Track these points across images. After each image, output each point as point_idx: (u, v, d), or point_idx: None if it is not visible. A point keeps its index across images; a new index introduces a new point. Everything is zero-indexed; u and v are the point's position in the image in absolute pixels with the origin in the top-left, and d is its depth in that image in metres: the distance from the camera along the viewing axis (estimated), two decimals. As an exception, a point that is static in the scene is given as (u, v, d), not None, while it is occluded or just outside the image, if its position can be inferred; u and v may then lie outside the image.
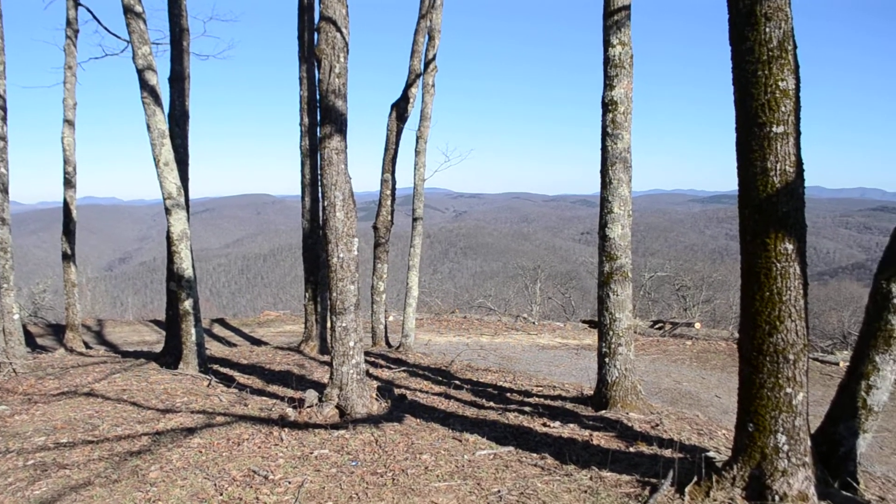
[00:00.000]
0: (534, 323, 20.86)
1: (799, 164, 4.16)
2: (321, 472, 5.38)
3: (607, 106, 7.79)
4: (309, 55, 13.39)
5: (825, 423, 5.00)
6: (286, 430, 6.62)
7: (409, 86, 14.33)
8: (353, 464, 5.63)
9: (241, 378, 9.80)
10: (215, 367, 10.71)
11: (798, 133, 4.14)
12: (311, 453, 5.88)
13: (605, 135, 7.83)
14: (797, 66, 4.12)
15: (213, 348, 13.96)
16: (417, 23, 14.27)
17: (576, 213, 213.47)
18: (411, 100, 14.39)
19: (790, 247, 4.13)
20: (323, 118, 7.15)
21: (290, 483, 5.14)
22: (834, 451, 4.90)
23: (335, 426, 6.79)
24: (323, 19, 7.10)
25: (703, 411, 9.45)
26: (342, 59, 7.17)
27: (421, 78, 14.28)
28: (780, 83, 4.03)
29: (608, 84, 7.79)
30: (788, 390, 4.21)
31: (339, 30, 7.11)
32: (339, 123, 7.15)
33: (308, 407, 7.33)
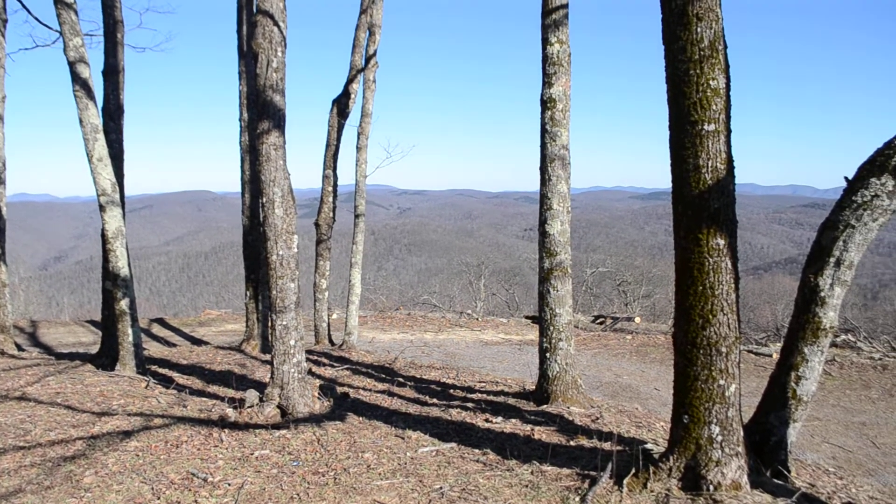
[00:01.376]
0: (478, 319, 20.97)
1: (730, 161, 4.27)
2: (262, 473, 5.31)
3: (546, 104, 7.87)
4: (248, 49, 13.18)
5: (757, 414, 5.14)
6: (226, 431, 6.51)
7: (349, 81, 14.24)
8: (295, 464, 5.57)
9: (181, 379, 9.60)
10: (154, 368, 10.47)
11: (729, 131, 4.25)
12: (252, 454, 5.80)
13: (543, 132, 7.91)
14: (727, 66, 4.23)
15: (152, 349, 13.65)
16: (358, 18, 14.18)
17: (519, 209, 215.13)
18: (352, 96, 14.30)
19: (722, 242, 4.23)
20: (260, 113, 7.05)
21: (229, 485, 5.05)
22: (766, 440, 5.04)
23: (276, 426, 6.71)
24: (259, 13, 7.00)
25: (642, 404, 9.63)
26: (280, 54, 7.08)
27: (362, 74, 14.20)
28: (711, 82, 4.12)
29: (546, 82, 7.87)
30: (721, 382, 4.32)
31: (276, 24, 7.01)
32: (277, 119, 7.05)
33: (249, 407, 7.23)
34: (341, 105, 14.27)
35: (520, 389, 9.11)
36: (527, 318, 21.58)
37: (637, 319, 20.65)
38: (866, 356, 13.82)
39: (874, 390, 11.38)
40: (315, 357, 12.00)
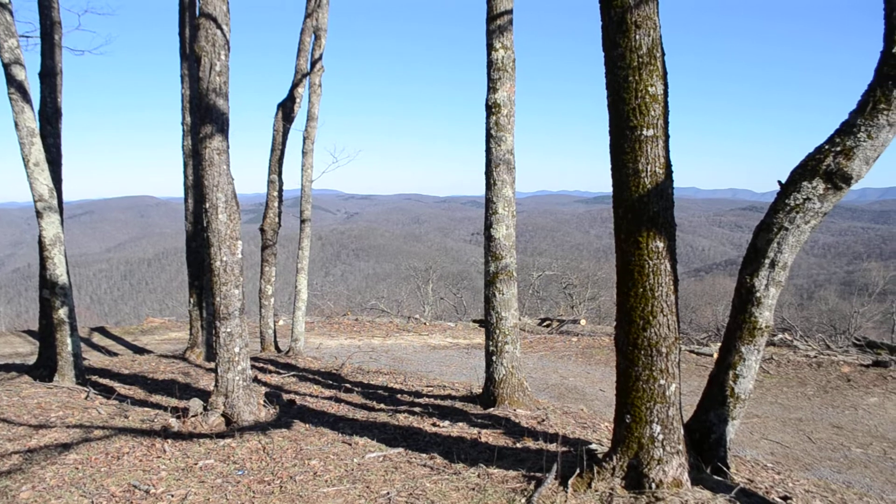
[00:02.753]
0: (425, 323, 20.98)
1: (668, 165, 4.37)
2: (206, 484, 5.22)
3: (491, 109, 7.93)
4: (190, 52, 12.98)
5: (697, 412, 5.26)
6: (169, 441, 6.38)
7: (295, 85, 14.14)
8: (240, 473, 5.49)
9: (122, 389, 9.38)
10: (94, 378, 10.20)
11: (667, 136, 4.35)
12: (196, 464, 5.70)
13: (489, 137, 7.97)
14: (665, 73, 4.33)
15: (93, 358, 13.29)
16: (304, 21, 14.11)
17: (466, 213, 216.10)
18: (298, 100, 14.21)
19: (661, 245, 4.33)
20: (203, 117, 6.94)
21: (172, 496, 4.96)
22: (706, 438, 5.16)
23: (221, 435, 6.61)
24: (202, 15, 6.90)
25: (587, 405, 9.75)
26: (223, 57, 6.99)
27: (307, 78, 14.11)
28: (649, 88, 4.21)
29: (491, 87, 7.94)
30: (662, 382, 4.41)
31: (219, 27, 6.92)
32: (220, 123, 6.96)
33: (193, 416, 7.10)
34: (287, 109, 14.16)
35: (467, 393, 9.14)
36: (474, 321, 21.68)
37: (582, 322, 20.92)
38: (802, 354, 14.24)
39: (810, 387, 11.73)
40: (261, 364, 11.86)
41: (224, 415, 7.12)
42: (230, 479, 5.33)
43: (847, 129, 4.75)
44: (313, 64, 14.08)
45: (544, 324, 21.15)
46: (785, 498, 5.01)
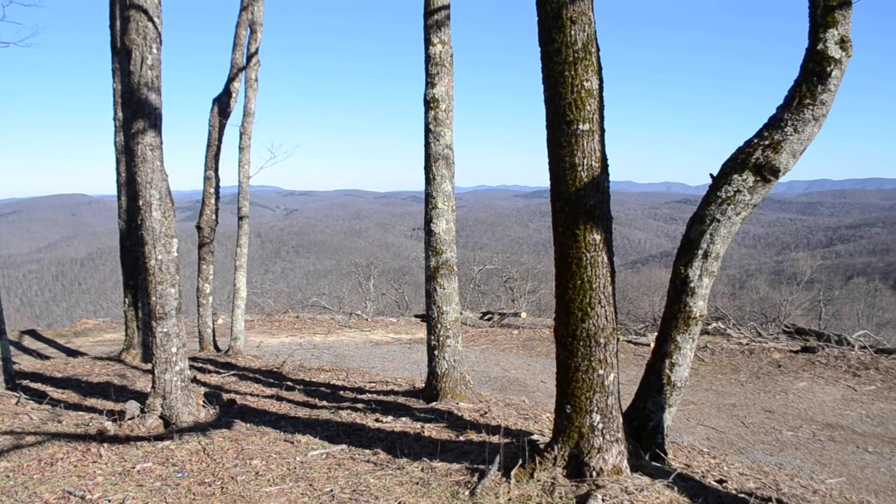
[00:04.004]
0: (367, 319, 20.90)
1: (604, 159, 4.45)
2: (144, 487, 5.11)
3: (429, 103, 7.94)
4: (121, 46, 12.61)
5: (636, 401, 5.38)
6: (105, 445, 6.22)
7: (231, 80, 13.90)
8: (179, 475, 5.39)
9: (56, 393, 9.08)
10: (25, 382, 9.85)
11: (602, 130, 4.43)
12: (134, 468, 5.57)
13: (427, 132, 7.98)
14: (600, 68, 4.40)
15: (24, 362, 12.84)
16: (239, 15, 13.87)
17: (407, 209, 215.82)
18: (234, 95, 13.96)
19: (598, 237, 4.41)
20: (135, 112, 6.78)
21: (109, 501, 4.84)
22: (644, 425, 5.28)
23: (159, 437, 6.47)
24: (133, 7, 6.72)
25: (529, 396, 9.86)
26: (154, 50, 6.83)
27: (243, 72, 13.89)
28: (584, 83, 4.28)
29: (430, 82, 7.94)
30: (601, 372, 4.50)
31: (150, 19, 6.76)
32: (152, 118, 6.80)
33: (129, 419, 6.94)
34: (223, 104, 13.90)
35: (410, 388, 9.15)
36: (416, 316, 21.69)
37: (523, 314, 21.14)
38: (735, 342, 14.68)
39: (742, 374, 12.10)
40: (200, 364, 11.64)
41: (162, 417, 6.98)
42: (169, 481, 5.23)
43: (775, 124, 4.91)
44: (249, 58, 13.86)
45: (486, 317, 21.30)
46: (720, 481, 5.16)
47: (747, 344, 14.29)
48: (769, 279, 56.73)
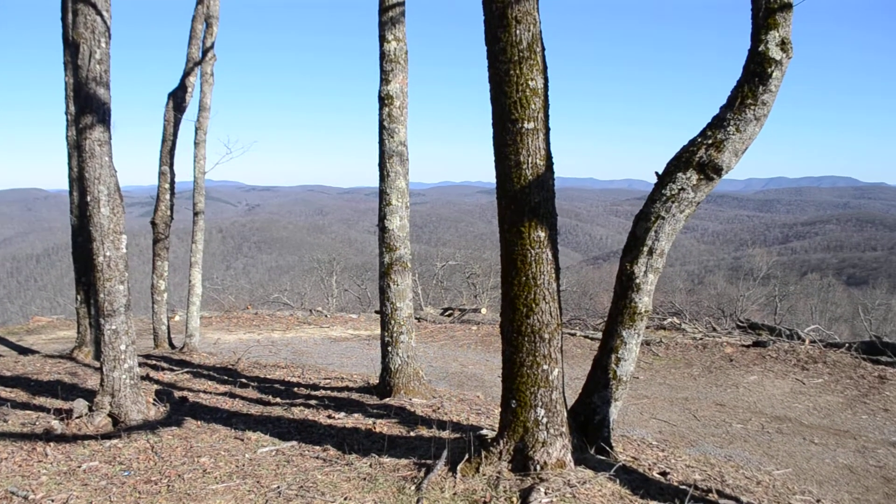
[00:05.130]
0: (326, 316, 20.82)
1: (548, 157, 4.50)
2: (89, 487, 5.05)
3: (383, 100, 7.94)
4: (72, 39, 12.38)
5: (582, 395, 5.45)
6: (52, 444, 6.12)
7: (186, 74, 13.72)
8: (126, 474, 5.33)
9: (3, 392, 8.90)
10: (-29, 381, 9.66)
11: (547, 129, 4.48)
12: (79, 467, 5.49)
13: (381, 129, 7.99)
14: (545, 67, 4.45)
15: (-29, 361, 12.56)
16: (195, 8, 13.69)
17: (371, 205, 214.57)
18: (189, 89, 13.79)
19: (542, 235, 4.46)
20: (84, 107, 6.67)
21: (53, 501, 4.77)
22: (591, 419, 5.36)
23: (107, 436, 6.39)
24: (81, 1, 6.62)
25: (485, 392, 9.92)
26: (103, 45, 6.74)
27: (199, 67, 13.72)
28: (529, 82, 4.33)
29: (384, 79, 7.95)
30: (545, 367, 4.56)
31: (98, 13, 6.66)
32: (101, 113, 6.70)
33: (77, 418, 6.83)
34: (178, 99, 13.72)
35: (364, 384, 9.15)
36: (377, 312, 21.62)
37: (483, 310, 21.23)
38: (690, 337, 14.93)
39: (695, 368, 12.32)
40: (154, 361, 11.50)
41: (111, 415, 6.89)
42: (115, 480, 5.17)
43: (718, 123, 5.02)
44: (205, 52, 13.69)
45: (446, 313, 21.36)
46: (663, 473, 5.26)
47: (701, 339, 14.54)
48: (727, 275, 57.63)
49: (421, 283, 33.09)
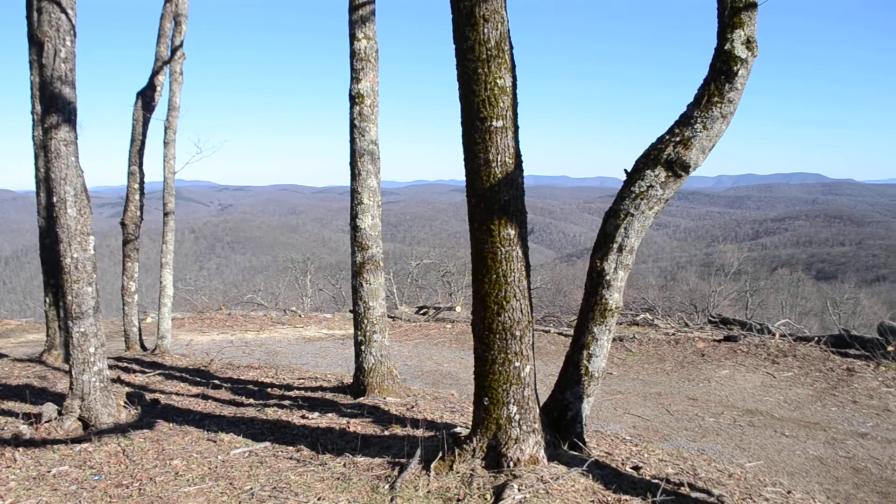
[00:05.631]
0: (300, 315, 20.72)
1: (517, 155, 4.52)
2: (59, 491, 4.98)
3: (354, 99, 7.92)
4: (38, 37, 12.19)
5: (555, 391, 5.49)
6: (21, 449, 6.02)
7: (155, 73, 13.57)
8: (97, 478, 5.27)
9: (-31, 397, 8.77)
10: (-63, 387, 9.48)
11: (516, 127, 4.50)
12: (49, 472, 5.42)
13: (352, 127, 7.96)
14: (514, 65, 4.47)
15: (-63, 367, 12.32)
16: (164, 7, 13.54)
17: (344, 203, 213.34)
18: (158, 88, 13.64)
19: (512, 232, 4.48)
20: (49, 107, 6.57)
21: (21, 506, 4.71)
22: (563, 415, 5.39)
23: (77, 440, 6.30)
24: (45, -1, 6.52)
25: (460, 390, 9.93)
26: (69, 43, 6.64)
27: (168, 65, 13.57)
28: (498, 81, 4.34)
29: (355, 77, 7.92)
30: (517, 364, 4.58)
31: (63, 11, 6.57)
32: (67, 112, 6.60)
33: (47, 422, 6.73)
34: (146, 98, 13.57)
35: (338, 384, 9.13)
36: (352, 311, 21.56)
37: (458, 308, 21.25)
38: (662, 332, 15.07)
39: (668, 363, 12.44)
40: (125, 364, 11.37)
41: (81, 419, 6.80)
42: (85, 485, 5.11)
43: (685, 121, 5.07)
44: (174, 51, 13.55)
45: (421, 312, 21.34)
46: (636, 468, 5.31)
47: (674, 334, 14.68)
48: (699, 271, 58.23)
49: (396, 281, 33.05)
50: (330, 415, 7.06)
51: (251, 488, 4.81)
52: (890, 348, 11.89)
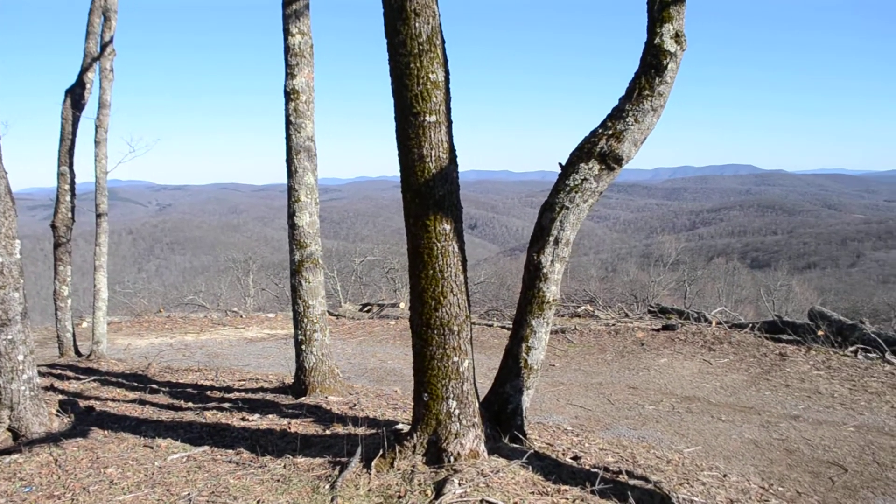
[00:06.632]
0: (242, 316, 20.41)
1: (451, 150, 4.53)
2: (-14, 505, 4.82)
3: (289, 95, 7.82)
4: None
5: (495, 385, 5.52)
6: (-54, 464, 5.80)
7: (84, 70, 13.18)
8: (27, 490, 5.10)
9: None
10: None
11: (449, 122, 4.50)
12: (-24, 486, 5.23)
13: (288, 124, 7.86)
14: (446, 60, 4.46)
15: None
16: (92, 1, 13.14)
17: (285, 202, 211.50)
18: (88, 85, 13.25)
19: (448, 227, 4.49)
20: (-32, 107, 6.33)
21: (-55, 523, 4.54)
22: (504, 408, 5.43)
23: (7, 451, 6.09)
24: (-40, -6, 6.26)
25: (404, 386, 9.91)
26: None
27: (98, 62, 13.19)
28: (430, 75, 4.33)
29: (289, 73, 7.82)
30: (455, 359, 4.60)
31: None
32: (-13, 113, 6.37)
33: (-27, 434, 6.50)
34: (76, 96, 13.17)
35: (280, 384, 9.01)
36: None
37: (402, 305, 21.20)
38: (603, 323, 15.30)
39: (609, 353, 12.63)
40: (59, 371, 11.03)
41: (11, 429, 6.57)
42: (15, 497, 4.94)
43: (617, 114, 5.15)
44: (104, 47, 13.17)
45: (365, 309, 21.24)
46: (576, 458, 5.38)
47: (614, 325, 14.92)
48: (639, 262, 59.24)
49: (340, 279, 32.83)
50: (271, 416, 6.97)
51: (188, 494, 4.72)
52: (820, 333, 12.31)
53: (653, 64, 5.01)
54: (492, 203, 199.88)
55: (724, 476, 5.64)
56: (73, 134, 13.03)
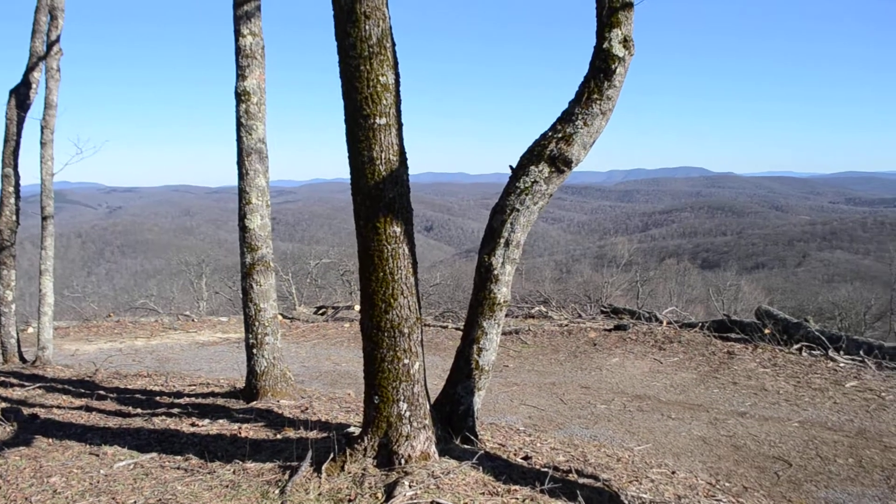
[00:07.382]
0: (194, 320, 20.12)
1: (402, 153, 4.53)
2: (-78, 519, 4.67)
3: (240, 96, 7.74)
4: None
5: (446, 386, 5.54)
6: None
7: (30, 70, 12.86)
8: (-35, 502, 4.96)
9: None
10: None
11: (400, 124, 4.50)
12: (-90, 499, 5.06)
13: (239, 125, 7.78)
14: (396, 63, 4.47)
15: None
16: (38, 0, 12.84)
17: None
18: (34, 85, 12.93)
19: (398, 230, 4.49)
20: None
21: None
22: (455, 410, 5.45)
23: (-56, 462, 5.91)
24: None
25: (357, 389, 9.84)
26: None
27: (44, 62, 12.89)
28: (380, 78, 4.33)
29: (240, 74, 7.75)
30: (406, 361, 4.60)
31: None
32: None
33: None
34: (21, 96, 12.84)
35: (231, 389, 8.90)
36: (247, 314, 21.07)
37: (357, 307, 21.11)
38: (556, 324, 15.44)
39: (562, 353, 12.76)
40: (2, 378, 10.73)
41: (-51, 439, 6.39)
42: (-48, 510, 4.81)
43: (567, 118, 5.21)
44: (50, 46, 12.87)
45: (320, 312, 21.12)
46: (527, 458, 5.43)
47: (567, 325, 15.06)
48: (592, 263, 59.95)
49: (295, 282, 32.56)
50: (221, 421, 6.88)
51: (135, 502, 4.63)
52: (766, 331, 12.60)
53: (602, 68, 5.09)
54: (447, 205, 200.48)
55: (673, 473, 5.74)
56: (18, 135, 12.71)
